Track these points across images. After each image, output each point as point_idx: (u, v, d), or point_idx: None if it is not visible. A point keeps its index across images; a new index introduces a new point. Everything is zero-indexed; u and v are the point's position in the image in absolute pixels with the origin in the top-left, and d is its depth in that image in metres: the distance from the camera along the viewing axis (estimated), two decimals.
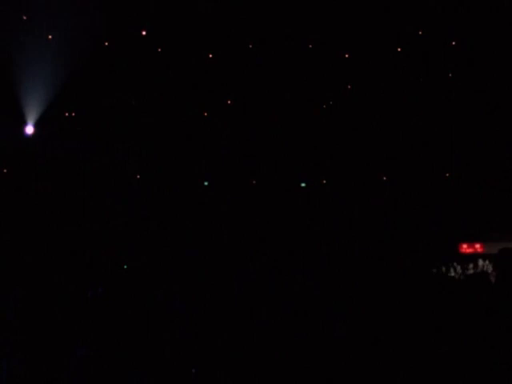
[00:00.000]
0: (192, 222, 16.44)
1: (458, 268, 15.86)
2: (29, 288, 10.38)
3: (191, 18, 14.65)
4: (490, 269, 14.75)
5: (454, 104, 16.18)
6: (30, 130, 15.65)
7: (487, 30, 14.69)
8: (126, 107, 16.30)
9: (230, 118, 17.06)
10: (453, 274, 15.27)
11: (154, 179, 16.75)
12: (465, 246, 17.17)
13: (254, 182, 18.12)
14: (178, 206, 16.56)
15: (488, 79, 15.38)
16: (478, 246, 17.15)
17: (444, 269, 14.95)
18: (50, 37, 14.78)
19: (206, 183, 17.74)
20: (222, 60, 15.81)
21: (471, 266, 16.01)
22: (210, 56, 15.93)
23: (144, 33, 14.96)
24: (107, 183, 15.98)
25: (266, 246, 16.10)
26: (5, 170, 16.00)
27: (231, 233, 16.60)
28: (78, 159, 16.04)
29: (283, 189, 17.88)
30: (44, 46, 14.52)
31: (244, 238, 16.51)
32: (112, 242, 15.06)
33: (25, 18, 14.37)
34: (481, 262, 16.09)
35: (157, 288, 11.19)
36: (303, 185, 18.42)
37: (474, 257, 16.59)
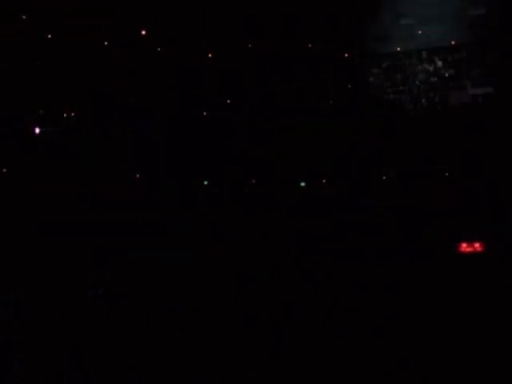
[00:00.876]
0: (192, 222, 16.43)
1: None
2: (29, 288, 10.39)
3: (191, 17, 14.64)
4: None
5: (454, 103, 16.17)
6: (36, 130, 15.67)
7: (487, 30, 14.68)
8: (124, 106, 16.31)
9: (230, 117, 17.06)
10: None
11: (154, 178, 16.74)
12: (464, 245, 17.17)
13: (254, 181, 18.11)
14: (178, 206, 16.55)
15: (488, 78, 15.38)
16: (477, 245, 17.15)
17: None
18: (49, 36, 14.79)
19: (205, 182, 17.72)
20: (222, 60, 15.80)
21: None
22: (210, 56, 15.93)
23: (144, 32, 14.95)
24: (107, 183, 15.97)
25: (265, 246, 16.09)
26: (4, 170, 16.00)
27: (230, 233, 16.59)
28: (79, 159, 16.04)
29: (282, 188, 17.87)
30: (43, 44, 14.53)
31: (244, 238, 16.49)
32: (112, 241, 15.06)
33: (24, 17, 14.35)
34: None
35: (157, 288, 11.20)
36: (303, 184, 18.40)
37: None
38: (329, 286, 10.89)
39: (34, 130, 15.53)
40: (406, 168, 17.04)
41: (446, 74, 16.25)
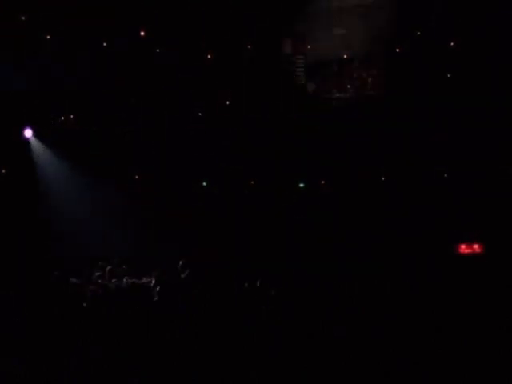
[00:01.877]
0: (191, 222, 16.45)
1: None
2: (28, 288, 10.38)
3: (191, 18, 14.64)
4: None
5: (453, 103, 16.18)
6: (28, 133, 15.71)
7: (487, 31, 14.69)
8: (124, 107, 16.32)
9: (229, 118, 17.06)
10: None
11: (154, 179, 16.75)
12: (463, 246, 17.17)
13: (253, 182, 18.10)
14: (177, 206, 16.57)
15: (488, 79, 15.38)
16: (476, 246, 17.15)
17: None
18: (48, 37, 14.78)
19: (204, 183, 17.73)
20: (221, 60, 15.82)
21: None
22: (209, 56, 15.94)
23: (143, 33, 14.95)
24: (107, 183, 15.99)
25: (265, 246, 16.11)
26: (3, 171, 16.00)
27: (230, 232, 16.61)
28: (78, 158, 16.06)
29: (281, 189, 17.87)
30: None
31: (243, 238, 16.50)
32: (113, 242, 15.07)
33: (23, 18, 14.33)
34: None
35: (157, 288, 11.21)
36: (302, 185, 18.39)
37: None
38: (329, 286, 10.91)
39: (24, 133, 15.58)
40: (405, 168, 17.04)
41: None
